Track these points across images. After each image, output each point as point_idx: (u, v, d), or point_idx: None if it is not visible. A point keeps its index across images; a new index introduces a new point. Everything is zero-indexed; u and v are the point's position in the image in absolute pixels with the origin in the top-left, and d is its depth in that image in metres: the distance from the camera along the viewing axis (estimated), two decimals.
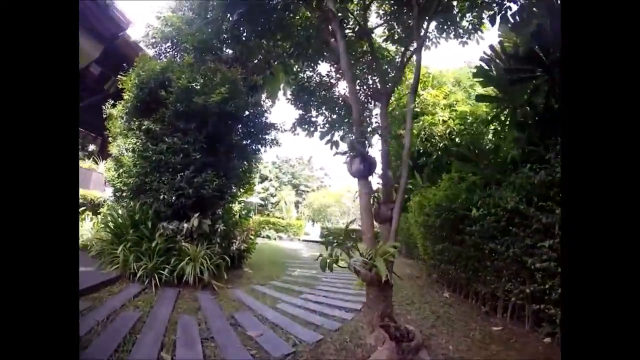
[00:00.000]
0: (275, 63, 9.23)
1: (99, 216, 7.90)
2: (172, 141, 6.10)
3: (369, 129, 7.91)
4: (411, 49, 7.24)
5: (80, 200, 8.57)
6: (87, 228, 7.52)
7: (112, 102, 8.04)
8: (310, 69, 9.27)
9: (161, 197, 5.95)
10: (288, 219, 25.09)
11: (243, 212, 7.83)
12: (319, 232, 27.02)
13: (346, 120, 8.76)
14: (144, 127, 6.33)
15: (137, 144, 6.39)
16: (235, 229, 6.85)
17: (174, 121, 6.34)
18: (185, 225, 5.89)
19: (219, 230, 6.20)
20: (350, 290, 6.58)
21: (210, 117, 6.29)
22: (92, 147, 18.54)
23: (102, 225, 6.46)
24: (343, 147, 6.57)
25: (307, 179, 34.01)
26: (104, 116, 8.04)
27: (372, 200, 4.47)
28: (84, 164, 10.24)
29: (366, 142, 4.66)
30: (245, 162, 7.41)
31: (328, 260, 3.69)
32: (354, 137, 4.65)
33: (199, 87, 6.37)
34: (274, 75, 9.34)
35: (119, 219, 6.22)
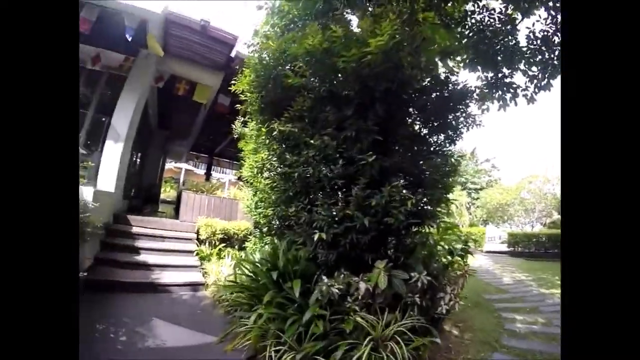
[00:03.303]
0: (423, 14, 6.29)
1: (243, 254, 6.26)
2: (321, 142, 3.69)
3: None
4: None
5: (221, 235, 7.09)
6: (227, 271, 5.78)
7: (242, 119, 6.41)
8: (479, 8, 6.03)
9: (316, 235, 3.56)
10: (464, 226, 20.52)
11: (456, 245, 4.40)
12: (496, 235, 21.81)
13: None
14: (275, 132, 4.11)
15: (270, 157, 4.23)
16: (443, 277, 3.92)
17: (317, 112, 3.99)
18: (362, 284, 3.35)
19: (420, 284, 3.43)
20: None
21: (375, 89, 3.69)
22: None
23: (230, 280, 4.44)
24: None
25: (474, 174, 28.69)
26: (235, 137, 6.49)
27: None
28: (228, 193, 8.94)
29: None
30: (443, 161, 4.23)
31: None
32: None
33: (341, 45, 3.75)
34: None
35: (257, 269, 4.13)
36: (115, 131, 7.06)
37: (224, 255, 6.49)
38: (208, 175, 16.20)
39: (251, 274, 4.23)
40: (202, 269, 6.21)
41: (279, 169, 3.97)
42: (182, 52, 7.65)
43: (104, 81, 7.99)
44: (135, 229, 6.82)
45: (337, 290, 3.35)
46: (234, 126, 6.63)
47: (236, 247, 6.92)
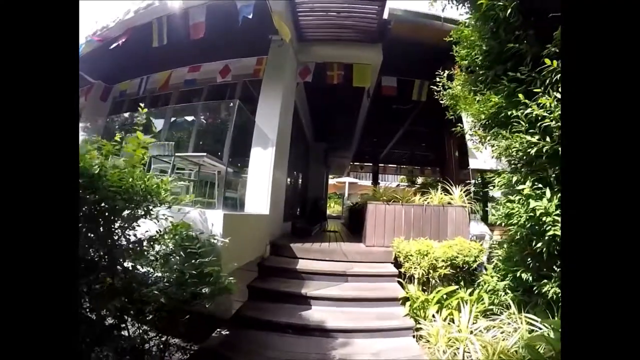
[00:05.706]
0: None
1: (483, 294, 3.67)
2: None
3: None
4: None
5: (446, 269, 4.08)
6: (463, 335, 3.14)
7: (444, 73, 4.24)
8: None
9: None
10: None
11: None
12: None
13: None
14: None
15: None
16: None
17: None
18: None
19: None
20: None
21: None
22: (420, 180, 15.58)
23: None
24: None
25: None
26: (442, 103, 4.10)
27: None
28: (434, 198, 5.65)
29: None
30: None
31: None
32: None
33: None
34: None
35: None
36: (263, 139, 5.28)
37: (451, 305, 3.65)
38: (375, 184, 14.23)
39: None
40: (416, 329, 3.48)
41: None
42: (321, 30, 6.17)
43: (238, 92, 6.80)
44: (301, 264, 4.53)
45: None
46: (437, 83, 4.04)
47: (461, 282, 4.03)
